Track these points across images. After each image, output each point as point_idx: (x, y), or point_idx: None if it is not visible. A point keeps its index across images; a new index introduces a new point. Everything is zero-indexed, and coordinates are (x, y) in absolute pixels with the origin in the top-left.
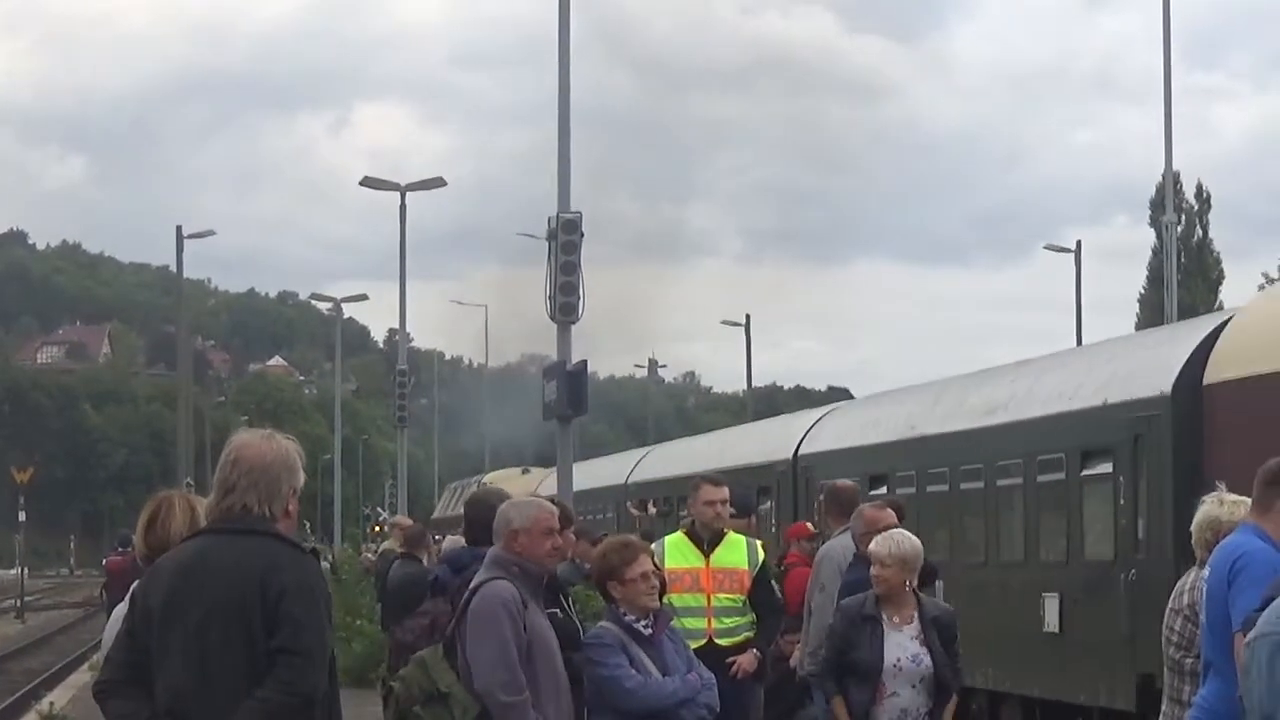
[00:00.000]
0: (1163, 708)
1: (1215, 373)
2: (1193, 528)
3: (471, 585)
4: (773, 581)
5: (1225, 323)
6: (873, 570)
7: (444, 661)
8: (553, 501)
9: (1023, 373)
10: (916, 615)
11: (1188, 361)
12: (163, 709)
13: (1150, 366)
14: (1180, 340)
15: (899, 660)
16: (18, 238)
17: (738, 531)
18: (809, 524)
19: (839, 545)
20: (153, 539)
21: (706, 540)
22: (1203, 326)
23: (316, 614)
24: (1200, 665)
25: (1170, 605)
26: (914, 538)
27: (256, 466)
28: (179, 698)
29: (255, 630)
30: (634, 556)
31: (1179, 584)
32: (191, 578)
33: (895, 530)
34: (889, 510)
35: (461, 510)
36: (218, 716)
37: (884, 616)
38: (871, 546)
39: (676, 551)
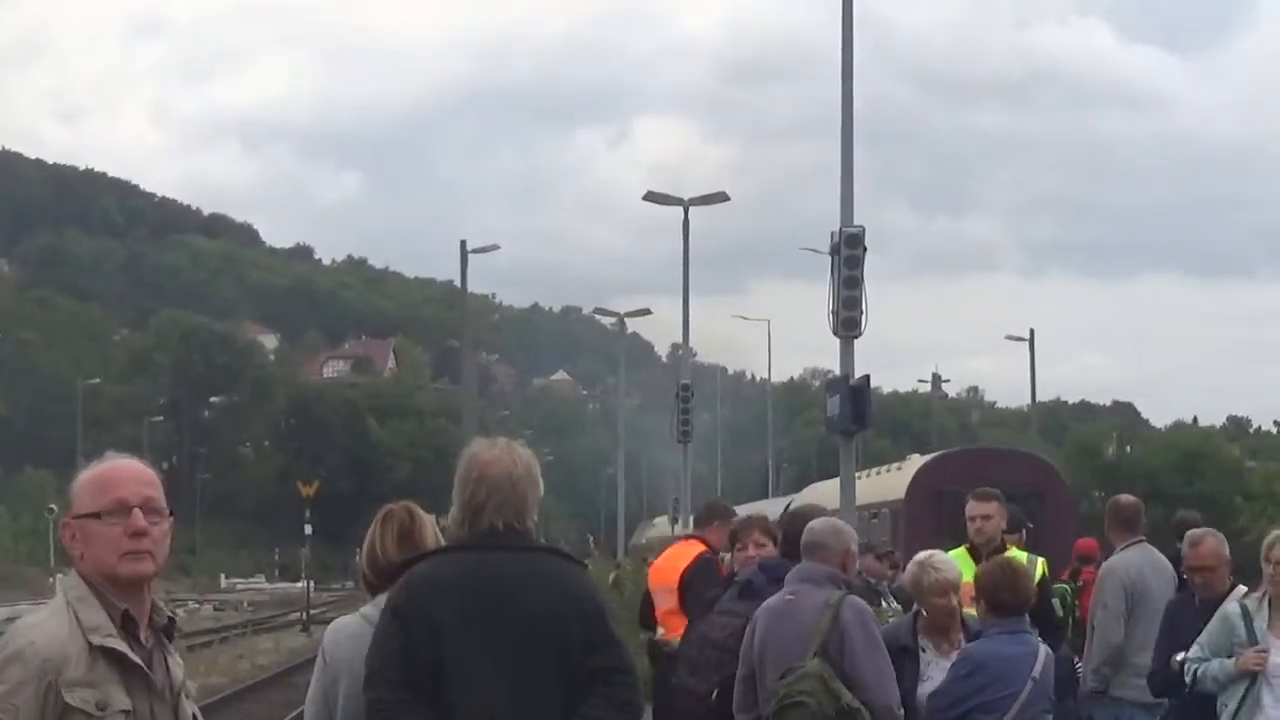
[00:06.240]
0: None
1: None
2: None
3: (825, 600)
4: (1053, 599)
5: None
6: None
7: (835, 677)
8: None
9: None
10: (963, 643)
11: None
12: None
13: None
14: None
15: None
16: (304, 252)
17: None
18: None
19: (1121, 562)
20: None
21: (985, 555)
22: None
23: (620, 630)
24: None
25: None
26: (949, 559)
27: (504, 485)
28: (490, 718)
29: (572, 649)
30: None
31: None
32: (488, 594)
33: (925, 554)
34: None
35: None
36: None
37: (925, 646)
38: (906, 577)
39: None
